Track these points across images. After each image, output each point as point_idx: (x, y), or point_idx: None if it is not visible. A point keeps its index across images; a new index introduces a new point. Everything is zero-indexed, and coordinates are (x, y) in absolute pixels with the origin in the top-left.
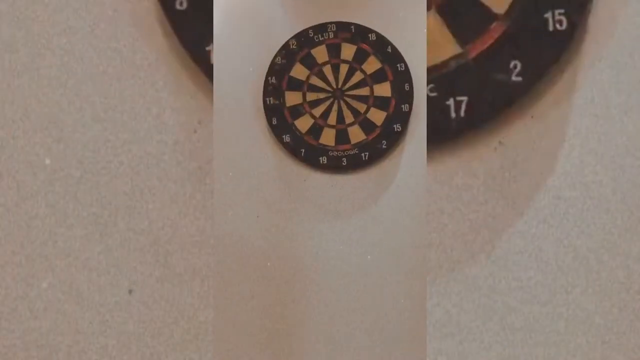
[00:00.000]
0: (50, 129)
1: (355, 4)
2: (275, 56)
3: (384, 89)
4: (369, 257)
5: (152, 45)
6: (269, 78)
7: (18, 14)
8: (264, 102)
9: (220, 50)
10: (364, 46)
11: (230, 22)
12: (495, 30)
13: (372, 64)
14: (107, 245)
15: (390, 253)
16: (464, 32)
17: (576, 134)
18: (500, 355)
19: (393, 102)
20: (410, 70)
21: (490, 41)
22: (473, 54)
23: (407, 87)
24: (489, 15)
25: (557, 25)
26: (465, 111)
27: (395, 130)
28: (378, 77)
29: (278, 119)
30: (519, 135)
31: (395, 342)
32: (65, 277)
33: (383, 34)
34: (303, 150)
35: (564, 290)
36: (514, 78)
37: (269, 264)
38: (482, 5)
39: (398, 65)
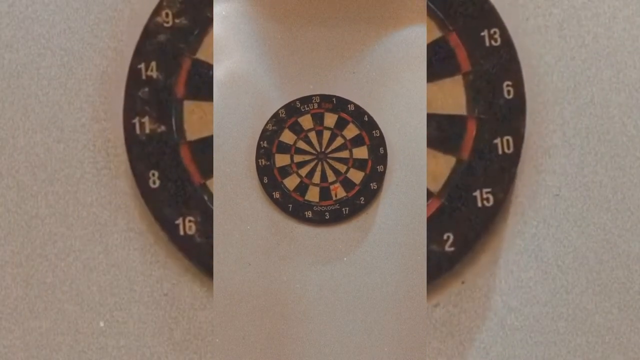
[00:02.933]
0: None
1: (337, 78)
2: (267, 123)
3: (361, 152)
4: (351, 294)
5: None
6: (261, 142)
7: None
8: (257, 163)
9: (219, 119)
10: (344, 115)
11: (228, 94)
12: (431, 206)
13: (351, 131)
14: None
15: (370, 291)
16: None
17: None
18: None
19: (370, 164)
20: (385, 136)
21: (427, 215)
22: None
23: (381, 150)
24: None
25: (485, 202)
26: None
27: (372, 188)
28: (356, 141)
29: (269, 178)
30: (451, 299)
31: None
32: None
33: (361, 104)
34: (291, 205)
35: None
36: (447, 248)
37: (263, 304)
38: None
39: (374, 131)
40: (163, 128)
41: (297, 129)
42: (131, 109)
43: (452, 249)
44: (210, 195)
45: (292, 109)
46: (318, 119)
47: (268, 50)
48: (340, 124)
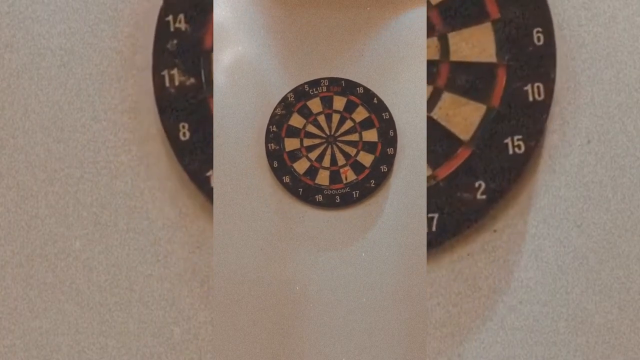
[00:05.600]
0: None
1: (345, 61)
2: (276, 107)
3: (371, 135)
4: (361, 278)
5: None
6: (270, 127)
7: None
8: (266, 147)
9: (220, 106)
10: (353, 98)
11: (231, 80)
12: (462, 155)
13: (360, 113)
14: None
15: (380, 276)
16: (434, 157)
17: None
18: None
19: (379, 146)
20: (394, 118)
21: (457, 164)
22: (442, 175)
23: (391, 133)
24: (456, 141)
25: (516, 149)
26: (436, 226)
27: (382, 170)
28: (366, 124)
29: (279, 162)
30: (483, 248)
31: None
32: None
33: (369, 86)
34: (301, 189)
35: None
36: (478, 196)
37: (269, 290)
38: (450, 132)
39: (383, 114)
40: (192, 80)
41: (306, 113)
42: (160, 62)
43: (483, 197)
44: None
45: (301, 93)
46: (327, 102)
47: (272, 34)
48: (350, 107)
